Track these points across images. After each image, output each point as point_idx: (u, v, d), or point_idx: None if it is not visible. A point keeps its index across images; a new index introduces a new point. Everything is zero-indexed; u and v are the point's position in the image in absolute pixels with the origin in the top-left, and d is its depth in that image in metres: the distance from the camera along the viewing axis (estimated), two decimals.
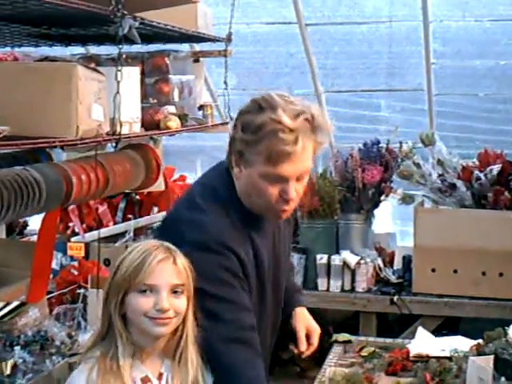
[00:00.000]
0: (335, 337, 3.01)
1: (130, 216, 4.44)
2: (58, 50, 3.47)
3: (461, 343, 2.74)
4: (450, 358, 2.60)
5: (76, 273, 3.32)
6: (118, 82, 2.58)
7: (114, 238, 4.09)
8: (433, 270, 4.31)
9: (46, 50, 3.38)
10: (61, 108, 2.26)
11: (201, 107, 3.66)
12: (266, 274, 2.07)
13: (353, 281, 4.46)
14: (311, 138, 1.92)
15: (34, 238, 3.61)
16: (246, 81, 5.61)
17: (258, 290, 2.05)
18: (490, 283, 4.22)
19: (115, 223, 4.42)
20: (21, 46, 3.34)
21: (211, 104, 3.82)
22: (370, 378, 2.56)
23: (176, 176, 5.27)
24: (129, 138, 2.83)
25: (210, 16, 3.65)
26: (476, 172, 4.38)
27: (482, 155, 4.50)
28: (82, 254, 3.57)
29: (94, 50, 3.85)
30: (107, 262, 3.11)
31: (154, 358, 1.87)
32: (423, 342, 2.86)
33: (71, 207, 4.04)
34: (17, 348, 2.44)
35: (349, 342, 2.97)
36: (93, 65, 2.87)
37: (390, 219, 5.74)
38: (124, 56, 2.72)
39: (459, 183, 4.42)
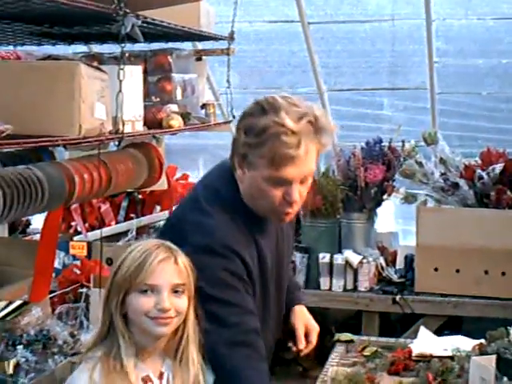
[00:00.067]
0: (337, 336, 3.01)
1: (132, 215, 4.45)
2: (60, 49, 3.46)
3: (463, 343, 2.74)
4: (452, 358, 2.60)
5: (78, 272, 3.33)
6: (121, 81, 2.58)
7: (116, 237, 4.10)
8: (435, 270, 4.30)
9: (48, 49, 3.38)
10: (63, 106, 2.26)
11: (203, 106, 3.66)
12: (269, 275, 2.06)
13: (355, 280, 4.46)
14: (314, 140, 1.90)
15: (37, 236, 3.62)
16: (248, 79, 5.60)
17: (261, 292, 2.04)
18: (492, 282, 4.21)
19: (117, 222, 4.43)
20: (23, 45, 3.34)
21: (214, 102, 3.82)
22: (372, 378, 2.55)
23: (178, 175, 5.28)
24: (131, 136, 2.82)
25: (212, 14, 3.65)
26: (478, 171, 4.37)
27: (484, 154, 4.49)
28: (85, 253, 3.57)
29: (96, 48, 3.85)
30: (110, 261, 3.10)
31: (155, 357, 1.87)
32: (425, 342, 2.86)
33: (74, 206, 4.05)
34: (19, 347, 2.44)
35: (351, 341, 2.97)
36: (95, 63, 2.86)
37: (393, 218, 5.73)
38: (127, 54, 2.72)
39: (462, 182, 4.41)
